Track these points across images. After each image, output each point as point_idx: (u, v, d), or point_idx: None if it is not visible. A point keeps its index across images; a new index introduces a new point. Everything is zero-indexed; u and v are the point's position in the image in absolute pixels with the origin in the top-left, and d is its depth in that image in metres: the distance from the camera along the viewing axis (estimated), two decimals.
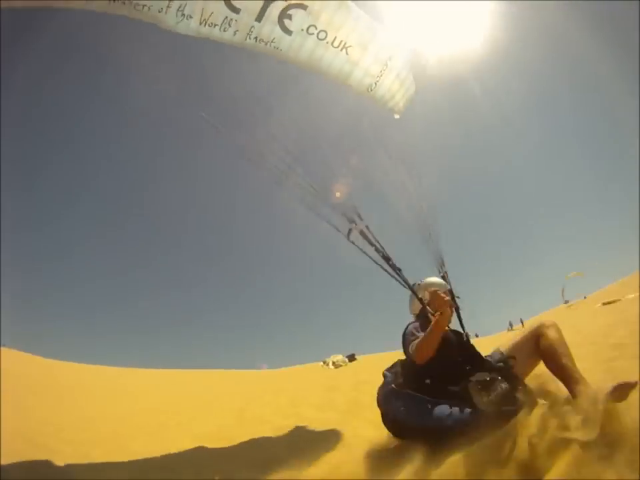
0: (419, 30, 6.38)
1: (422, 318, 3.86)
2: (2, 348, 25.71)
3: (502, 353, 3.62)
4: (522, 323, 39.67)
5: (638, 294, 18.07)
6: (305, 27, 5.33)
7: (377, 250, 4.47)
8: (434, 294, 3.64)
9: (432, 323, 3.33)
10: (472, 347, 3.68)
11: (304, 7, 5.17)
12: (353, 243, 4.51)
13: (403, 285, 4.22)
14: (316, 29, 5.39)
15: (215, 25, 4.91)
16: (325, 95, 6.58)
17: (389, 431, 3.75)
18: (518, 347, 3.59)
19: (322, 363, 21.66)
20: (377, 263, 4.39)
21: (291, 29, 5.26)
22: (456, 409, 3.07)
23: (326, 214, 4.74)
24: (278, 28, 5.21)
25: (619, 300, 19.54)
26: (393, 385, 3.77)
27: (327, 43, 5.56)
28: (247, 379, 19.81)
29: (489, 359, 3.59)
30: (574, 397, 2.91)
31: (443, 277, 4.50)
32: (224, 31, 4.99)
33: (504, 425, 2.67)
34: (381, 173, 6.03)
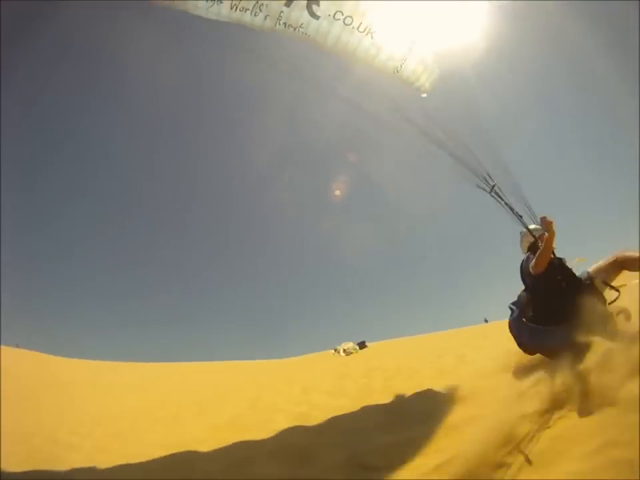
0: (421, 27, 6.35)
1: (532, 252, 4.80)
2: (2, 346, 25.76)
3: (588, 273, 4.75)
4: None
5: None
6: (331, 13, 5.54)
7: (505, 203, 5.49)
8: (543, 219, 4.65)
9: (544, 240, 4.46)
10: (568, 268, 4.74)
11: None
12: (493, 196, 5.52)
13: (524, 226, 5.26)
14: (342, 14, 5.60)
15: (247, 10, 5.14)
16: None
17: (521, 350, 4.81)
18: (602, 269, 4.72)
19: (333, 351, 21.72)
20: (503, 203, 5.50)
21: (318, 14, 5.48)
22: (561, 333, 4.11)
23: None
24: (306, 13, 5.43)
25: (625, 285, 19.42)
26: (516, 317, 4.89)
27: (353, 28, 5.76)
28: (260, 369, 19.86)
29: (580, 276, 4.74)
30: None
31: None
32: (255, 15, 5.20)
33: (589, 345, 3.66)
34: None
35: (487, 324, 31.48)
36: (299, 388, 8.68)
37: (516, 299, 5.05)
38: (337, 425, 4.84)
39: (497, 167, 5.84)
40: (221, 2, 4.96)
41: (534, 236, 4.99)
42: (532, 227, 5.21)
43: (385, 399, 5.59)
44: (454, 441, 3.40)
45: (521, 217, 5.38)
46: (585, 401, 3.16)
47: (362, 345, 22.27)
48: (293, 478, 3.61)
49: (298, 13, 5.41)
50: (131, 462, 4.86)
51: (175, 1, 4.89)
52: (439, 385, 5.57)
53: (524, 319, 4.73)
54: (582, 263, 4.89)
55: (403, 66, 6.40)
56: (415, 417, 4.25)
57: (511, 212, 5.43)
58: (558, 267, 4.66)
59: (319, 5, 5.45)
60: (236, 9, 5.07)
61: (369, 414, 4.97)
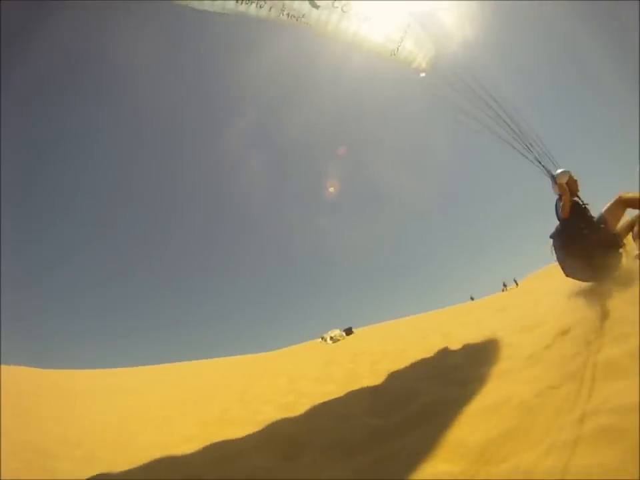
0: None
1: (561, 200, 5.84)
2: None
3: (601, 214, 5.68)
4: (516, 282, 40.26)
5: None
6: (330, 1, 5.94)
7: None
8: (561, 186, 5.84)
9: (562, 197, 5.74)
10: (589, 216, 5.80)
11: None
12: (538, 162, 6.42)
13: (552, 179, 6.17)
14: (340, 2, 6.02)
15: (252, 2, 5.40)
16: None
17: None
18: (610, 209, 5.65)
19: (320, 339, 21.88)
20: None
21: (319, 3, 5.88)
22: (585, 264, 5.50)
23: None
24: (307, 3, 5.82)
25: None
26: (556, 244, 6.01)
27: (351, 14, 6.18)
28: (247, 363, 19.95)
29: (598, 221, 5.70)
30: None
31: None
32: (260, 7, 5.49)
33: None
34: None
35: (473, 301, 31.84)
36: (286, 378, 8.76)
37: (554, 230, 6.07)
38: (324, 411, 4.88)
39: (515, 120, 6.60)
40: None
41: (563, 186, 5.87)
42: (558, 171, 6.20)
43: (372, 382, 5.64)
44: (442, 420, 3.44)
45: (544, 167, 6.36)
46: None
47: (348, 332, 22.45)
48: (283, 468, 3.63)
49: (300, 3, 5.75)
50: (121, 468, 4.84)
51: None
52: (424, 365, 5.64)
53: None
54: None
55: (399, 48, 6.82)
56: (402, 399, 4.27)
57: (539, 164, 6.41)
58: (580, 215, 5.80)
59: None
60: (242, 2, 5.32)
61: (356, 399, 5.01)
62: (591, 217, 5.79)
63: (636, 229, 5.27)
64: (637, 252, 5.19)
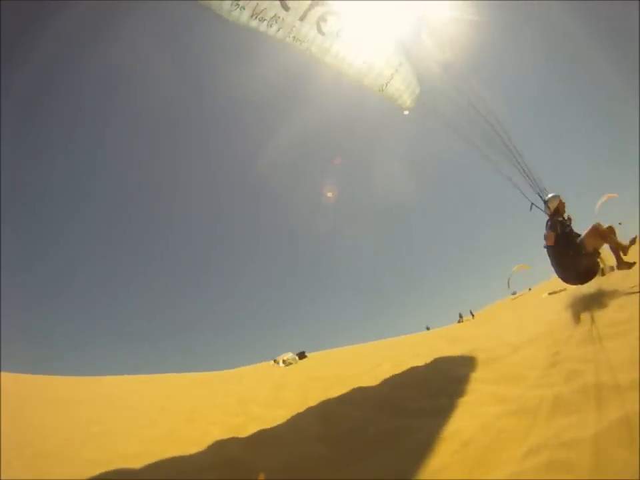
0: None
1: (552, 217, 7.56)
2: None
3: (582, 239, 7.18)
4: (472, 314, 41.18)
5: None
6: (335, 31, 6.32)
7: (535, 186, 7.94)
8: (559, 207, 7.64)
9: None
10: (572, 234, 7.35)
11: (338, 14, 6.21)
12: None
13: (545, 202, 7.82)
14: (344, 33, 6.41)
15: (264, 20, 5.68)
16: None
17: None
18: (588, 236, 7.11)
19: (272, 362, 21.74)
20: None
21: (325, 31, 6.22)
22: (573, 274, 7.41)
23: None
24: (315, 29, 6.14)
25: (564, 290, 20.06)
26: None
27: (351, 46, 6.60)
28: (197, 382, 19.56)
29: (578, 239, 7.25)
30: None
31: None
32: (270, 26, 5.78)
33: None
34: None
35: (428, 331, 32.19)
36: (236, 399, 8.62)
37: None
38: (273, 436, 4.81)
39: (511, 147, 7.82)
40: (243, 9, 5.46)
41: (549, 209, 7.71)
42: (549, 195, 7.80)
43: (323, 409, 5.59)
44: (391, 451, 3.43)
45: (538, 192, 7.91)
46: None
47: (302, 355, 22.34)
48: None
49: (307, 28, 6.08)
50: None
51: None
52: (376, 394, 5.62)
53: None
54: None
55: (388, 84, 7.30)
56: (352, 428, 4.26)
57: (537, 187, 7.90)
58: (566, 238, 7.24)
59: (326, 23, 6.16)
60: (255, 18, 5.59)
61: (305, 425, 4.95)
62: (575, 239, 7.31)
63: (612, 243, 7.02)
64: (614, 264, 7.25)
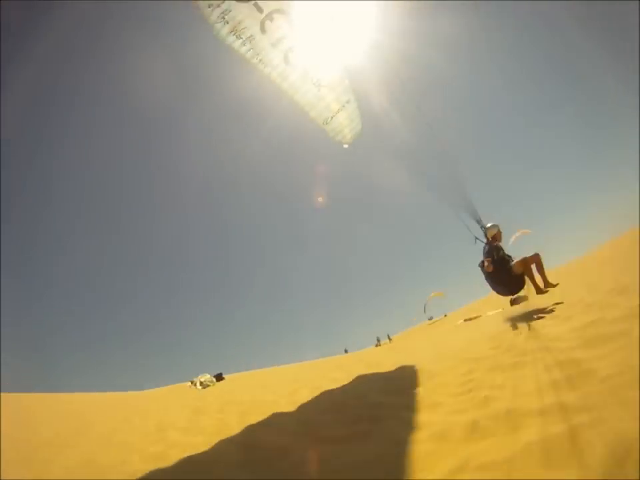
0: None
1: (490, 243, 8.92)
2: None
3: (512, 264, 8.65)
4: (389, 338, 42.40)
5: (499, 310, 19.22)
6: (299, 62, 6.68)
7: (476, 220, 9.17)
8: (495, 236, 9.02)
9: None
10: (505, 259, 8.81)
11: (307, 48, 6.67)
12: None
13: (484, 231, 9.10)
14: (307, 65, 6.84)
15: (240, 38, 6.01)
16: None
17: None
18: (520, 261, 8.53)
19: (189, 383, 21.30)
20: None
21: (290, 60, 6.57)
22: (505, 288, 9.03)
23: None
24: (281, 57, 6.50)
25: (480, 316, 20.76)
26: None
27: (308, 78, 6.99)
28: (115, 402, 18.76)
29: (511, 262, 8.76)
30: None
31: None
32: (242, 45, 6.09)
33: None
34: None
35: (346, 354, 32.50)
36: (154, 424, 8.34)
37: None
38: (194, 464, 4.68)
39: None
40: (227, 23, 5.77)
41: (487, 237, 9.06)
42: (489, 225, 9.05)
43: (243, 436, 5.51)
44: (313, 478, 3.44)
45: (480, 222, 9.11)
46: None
47: (219, 377, 22.02)
48: None
49: (275, 54, 6.42)
50: None
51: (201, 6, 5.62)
52: (295, 420, 5.61)
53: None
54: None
55: (333, 118, 7.71)
56: (273, 456, 4.24)
57: (478, 222, 9.09)
58: (499, 264, 8.72)
59: (294, 53, 6.51)
60: (234, 34, 5.90)
61: (226, 453, 4.87)
62: (508, 262, 8.79)
63: (535, 267, 8.59)
64: (541, 286, 8.66)
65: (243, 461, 4.26)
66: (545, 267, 8.58)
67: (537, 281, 8.68)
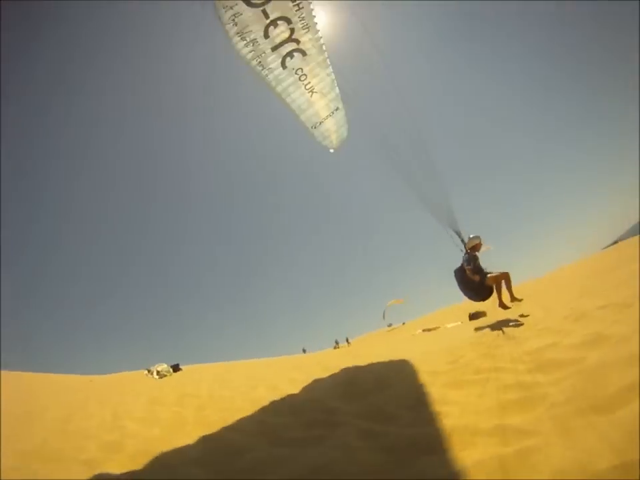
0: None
1: (470, 253, 9.87)
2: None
3: (487, 276, 9.58)
4: (347, 341, 42.62)
5: (458, 323, 19.43)
6: (296, 67, 7.13)
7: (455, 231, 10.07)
8: (476, 246, 9.92)
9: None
10: (480, 268, 9.82)
11: (304, 54, 7.00)
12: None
13: (462, 242, 10.01)
14: (302, 71, 7.23)
15: (244, 40, 6.35)
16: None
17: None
18: (493, 276, 9.56)
19: (146, 372, 21.05)
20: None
21: (287, 65, 7.00)
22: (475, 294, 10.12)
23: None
24: (279, 61, 6.90)
25: (438, 328, 20.93)
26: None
27: (302, 83, 7.37)
28: (70, 386, 18.42)
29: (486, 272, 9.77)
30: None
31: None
32: (245, 46, 6.44)
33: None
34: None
35: (304, 354, 32.55)
36: (110, 411, 8.27)
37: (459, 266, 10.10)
38: (149, 457, 4.68)
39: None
40: (235, 25, 6.13)
41: (466, 248, 9.98)
42: (471, 236, 9.88)
43: (199, 430, 5.51)
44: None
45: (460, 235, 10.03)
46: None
47: (176, 368, 21.80)
48: None
49: (274, 58, 6.81)
50: None
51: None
52: (252, 419, 5.63)
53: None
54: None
55: (321, 123, 8.18)
56: (229, 452, 4.28)
57: (458, 236, 9.97)
58: (477, 267, 9.80)
59: (291, 59, 6.95)
60: (239, 35, 6.27)
61: (182, 447, 4.88)
62: (482, 272, 9.80)
63: (499, 286, 9.70)
64: (506, 302, 9.84)
65: (201, 458, 4.29)
66: (512, 283, 9.54)
67: (503, 297, 9.84)
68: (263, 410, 6.23)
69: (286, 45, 6.73)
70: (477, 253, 9.92)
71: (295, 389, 7.36)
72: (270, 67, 6.88)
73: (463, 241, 10.04)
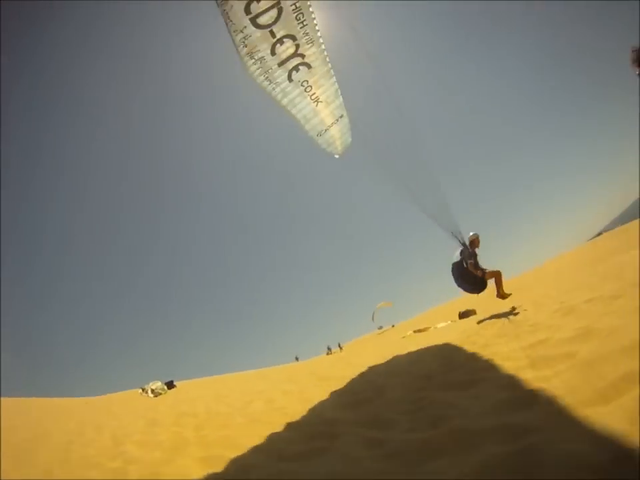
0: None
1: (470, 248, 10.39)
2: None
3: (485, 272, 10.30)
4: (340, 347, 42.74)
5: (448, 322, 19.53)
6: (301, 80, 7.54)
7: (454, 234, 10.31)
8: (474, 242, 10.48)
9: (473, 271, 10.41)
10: (478, 263, 10.33)
11: (309, 67, 7.41)
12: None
13: (460, 241, 10.40)
14: (307, 83, 7.64)
15: (252, 58, 6.78)
16: None
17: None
18: (491, 271, 10.28)
19: (141, 390, 20.90)
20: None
21: (293, 78, 7.42)
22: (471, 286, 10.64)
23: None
24: (286, 75, 7.33)
25: (429, 328, 20.99)
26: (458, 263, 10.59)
27: (307, 94, 7.79)
28: (66, 409, 18.14)
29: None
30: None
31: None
32: (253, 64, 6.86)
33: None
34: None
35: (297, 362, 32.59)
36: (109, 436, 8.21)
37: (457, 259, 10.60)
38: None
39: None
40: (245, 47, 6.59)
41: (466, 245, 10.44)
42: (471, 233, 10.48)
43: (200, 451, 5.49)
44: None
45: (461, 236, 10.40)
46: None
47: (170, 385, 21.72)
48: None
49: (281, 73, 7.24)
50: None
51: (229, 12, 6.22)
52: (252, 435, 5.60)
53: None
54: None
55: (326, 131, 8.62)
56: (234, 472, 4.28)
57: (457, 238, 10.31)
58: (481, 271, 10.31)
59: (297, 72, 7.36)
60: (249, 54, 6.70)
61: (186, 468, 4.86)
62: (484, 272, 10.40)
63: (496, 280, 10.50)
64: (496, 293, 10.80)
65: (205, 478, 4.26)
66: (502, 281, 10.70)
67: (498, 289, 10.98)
68: (262, 425, 6.19)
69: (292, 59, 7.18)
70: (475, 250, 10.61)
71: (292, 402, 7.37)
72: (277, 81, 7.32)
73: (462, 238, 10.61)
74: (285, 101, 7.73)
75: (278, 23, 6.61)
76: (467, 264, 10.45)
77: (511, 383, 4.16)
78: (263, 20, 6.51)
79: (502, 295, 10.84)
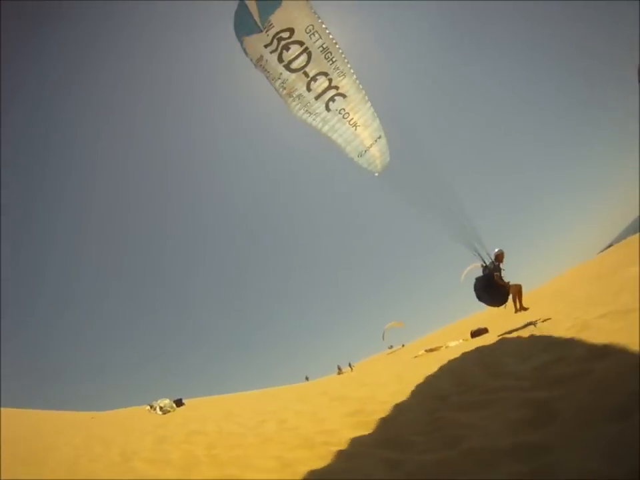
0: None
1: (495, 263, 11.31)
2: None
3: (509, 285, 11.39)
4: (350, 366, 42.45)
5: (460, 341, 19.34)
6: (339, 108, 8.34)
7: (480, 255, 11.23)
8: (498, 256, 11.41)
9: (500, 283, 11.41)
10: (506, 282, 11.39)
11: (344, 96, 8.17)
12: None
13: (486, 257, 11.37)
14: (345, 110, 8.41)
15: (291, 96, 7.90)
16: None
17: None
18: (514, 285, 11.47)
19: (149, 407, 20.76)
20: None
21: (330, 108, 8.27)
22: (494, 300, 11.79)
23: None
24: (324, 107, 8.23)
25: (441, 347, 20.78)
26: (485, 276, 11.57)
27: (346, 120, 8.57)
28: (72, 424, 18.01)
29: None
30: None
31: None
32: (292, 101, 7.98)
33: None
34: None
35: (307, 382, 32.42)
36: (118, 452, 8.11)
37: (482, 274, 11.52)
38: None
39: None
40: (284, 89, 7.83)
41: (493, 261, 11.35)
42: (496, 249, 11.31)
43: (212, 470, 5.47)
44: None
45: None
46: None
47: (179, 403, 21.55)
48: None
49: (319, 105, 8.16)
50: None
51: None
52: (266, 456, 5.59)
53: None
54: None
55: (366, 152, 9.34)
56: None
57: (480, 254, 11.19)
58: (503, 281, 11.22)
59: (334, 102, 8.18)
60: (288, 95, 7.88)
61: None
62: (507, 284, 11.32)
63: (515, 295, 11.57)
64: (517, 307, 11.75)
65: None
66: (522, 295, 11.89)
67: (517, 303, 11.90)
68: (277, 445, 6.17)
69: (327, 92, 8.00)
70: (500, 264, 11.44)
71: (306, 422, 7.34)
72: (316, 112, 8.23)
73: (487, 254, 11.54)
74: (325, 128, 8.58)
75: (309, 65, 7.48)
76: (495, 276, 11.21)
77: (526, 403, 4.13)
78: (295, 64, 7.44)
79: (521, 308, 11.80)
